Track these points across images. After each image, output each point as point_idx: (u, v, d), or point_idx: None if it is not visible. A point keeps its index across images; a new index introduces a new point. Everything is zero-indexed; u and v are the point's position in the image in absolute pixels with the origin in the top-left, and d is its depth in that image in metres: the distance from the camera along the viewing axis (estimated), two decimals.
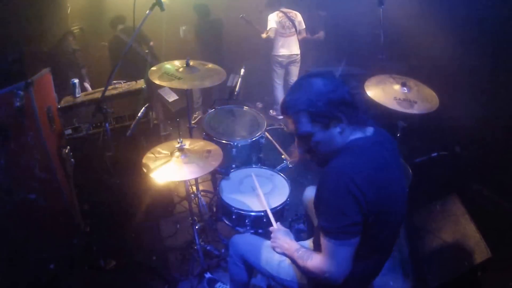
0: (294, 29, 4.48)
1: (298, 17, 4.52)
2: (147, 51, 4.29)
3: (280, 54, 4.58)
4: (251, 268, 1.81)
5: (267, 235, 1.87)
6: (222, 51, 4.83)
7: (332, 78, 1.29)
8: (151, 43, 4.39)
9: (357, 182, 1.18)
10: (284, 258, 1.62)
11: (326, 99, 1.24)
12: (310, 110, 1.25)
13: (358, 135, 1.32)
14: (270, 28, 4.42)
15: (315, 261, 1.33)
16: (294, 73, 4.75)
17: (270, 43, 4.58)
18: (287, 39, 4.51)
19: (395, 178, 1.32)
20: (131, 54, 4.05)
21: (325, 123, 1.26)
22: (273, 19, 4.43)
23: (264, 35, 4.48)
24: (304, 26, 4.57)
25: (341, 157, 1.28)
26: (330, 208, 1.25)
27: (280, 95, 4.86)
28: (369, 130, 1.35)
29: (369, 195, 1.19)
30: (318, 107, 1.24)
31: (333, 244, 1.24)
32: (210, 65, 2.68)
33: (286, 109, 1.31)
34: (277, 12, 4.43)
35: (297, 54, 4.62)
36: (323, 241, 1.28)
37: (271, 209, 2.02)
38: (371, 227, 1.25)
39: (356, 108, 1.30)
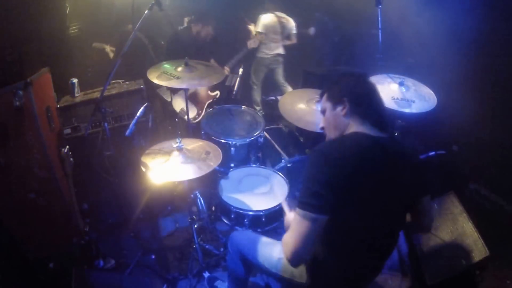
0: (281, 36, 4.23)
1: (291, 22, 4.26)
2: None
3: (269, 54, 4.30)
4: (250, 265, 1.81)
5: (265, 234, 1.88)
6: (220, 51, 4.83)
7: (361, 76, 1.46)
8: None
9: (331, 159, 1.23)
10: (283, 255, 1.62)
11: (341, 86, 1.45)
12: (329, 91, 1.49)
13: (361, 129, 1.35)
14: (259, 33, 4.03)
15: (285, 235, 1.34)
16: (279, 73, 4.51)
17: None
18: (276, 44, 4.26)
19: (380, 183, 1.29)
20: (144, 55, 4.07)
21: (333, 103, 1.44)
22: (263, 23, 4.09)
23: (252, 37, 4.01)
24: (295, 31, 4.29)
25: (333, 141, 1.40)
26: (304, 179, 1.28)
27: (258, 97, 4.62)
28: (379, 133, 1.36)
29: (340, 176, 1.22)
30: (333, 90, 1.47)
31: (297, 214, 1.25)
32: (208, 65, 2.69)
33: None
34: (271, 14, 4.11)
35: (281, 54, 4.36)
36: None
37: (271, 208, 2.03)
38: (340, 214, 1.24)
39: (364, 101, 1.40)
